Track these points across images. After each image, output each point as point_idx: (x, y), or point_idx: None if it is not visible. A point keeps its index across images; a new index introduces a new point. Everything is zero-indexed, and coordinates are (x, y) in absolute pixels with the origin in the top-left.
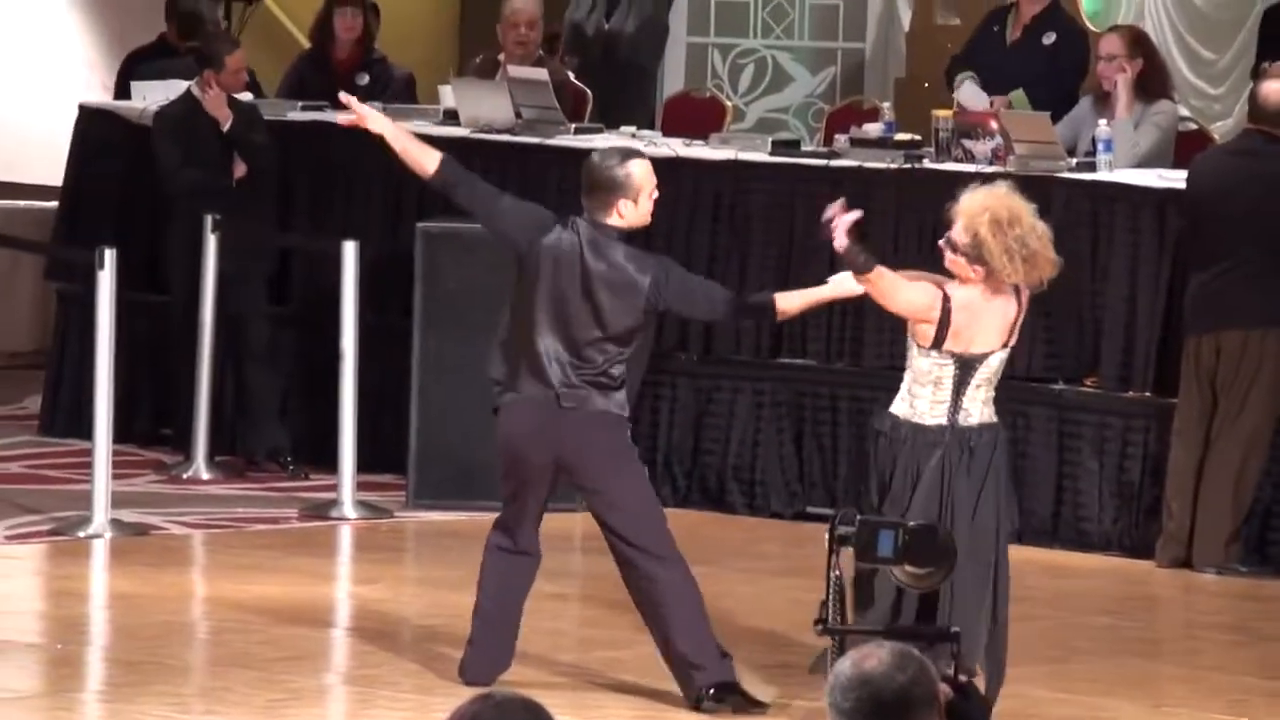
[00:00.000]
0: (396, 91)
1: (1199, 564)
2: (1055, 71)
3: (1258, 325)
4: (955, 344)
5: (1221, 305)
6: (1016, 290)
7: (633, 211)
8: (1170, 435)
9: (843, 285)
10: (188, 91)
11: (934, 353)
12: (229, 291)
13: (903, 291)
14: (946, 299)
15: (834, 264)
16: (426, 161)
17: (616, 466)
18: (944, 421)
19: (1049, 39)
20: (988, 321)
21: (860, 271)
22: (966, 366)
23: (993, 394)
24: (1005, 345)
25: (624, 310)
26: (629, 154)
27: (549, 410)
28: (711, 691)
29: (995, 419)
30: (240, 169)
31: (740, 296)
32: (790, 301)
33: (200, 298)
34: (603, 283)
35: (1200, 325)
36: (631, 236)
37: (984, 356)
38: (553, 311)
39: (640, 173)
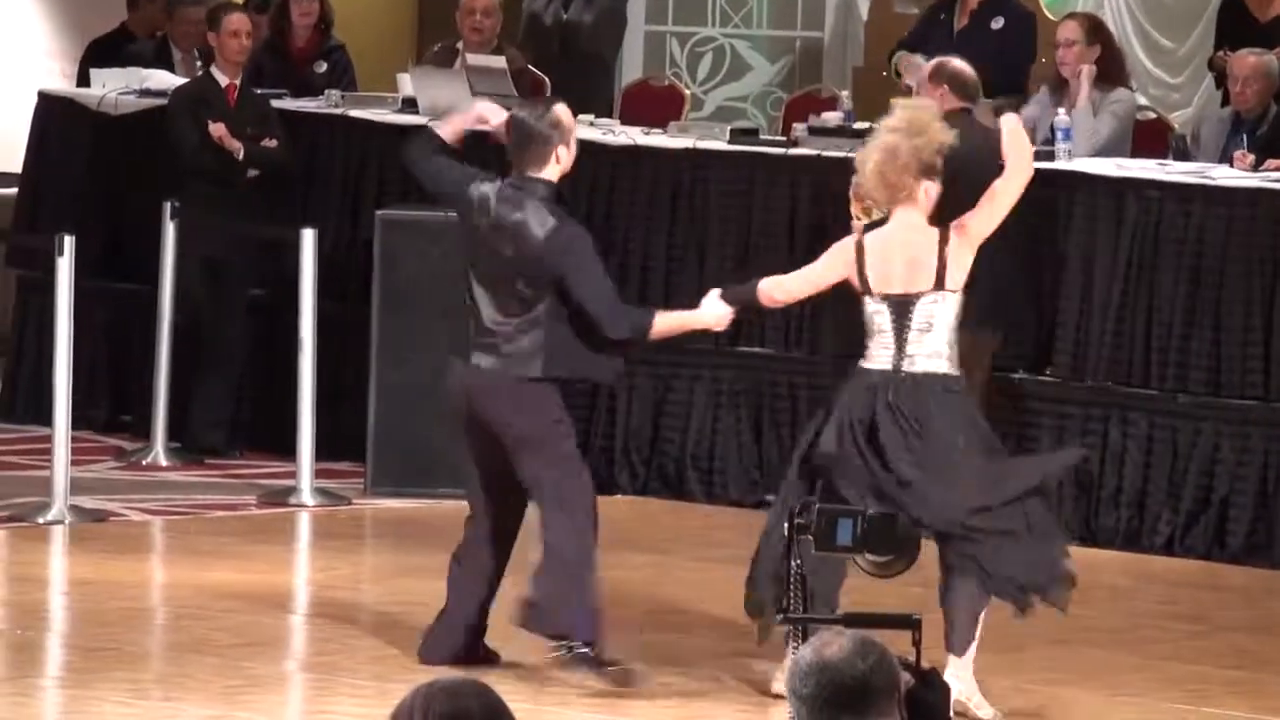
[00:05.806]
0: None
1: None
2: (1003, 55)
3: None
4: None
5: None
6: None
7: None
8: (1126, 424)
9: (714, 309)
10: (207, 71)
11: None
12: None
13: (802, 279)
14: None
15: (793, 251)
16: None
17: None
18: (887, 367)
19: (997, 23)
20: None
21: (754, 305)
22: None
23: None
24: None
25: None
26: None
27: None
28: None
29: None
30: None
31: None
32: (665, 322)
33: (175, 283)
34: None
35: None
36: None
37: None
38: None
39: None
